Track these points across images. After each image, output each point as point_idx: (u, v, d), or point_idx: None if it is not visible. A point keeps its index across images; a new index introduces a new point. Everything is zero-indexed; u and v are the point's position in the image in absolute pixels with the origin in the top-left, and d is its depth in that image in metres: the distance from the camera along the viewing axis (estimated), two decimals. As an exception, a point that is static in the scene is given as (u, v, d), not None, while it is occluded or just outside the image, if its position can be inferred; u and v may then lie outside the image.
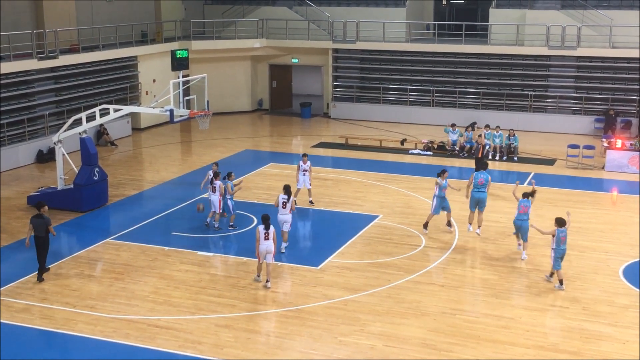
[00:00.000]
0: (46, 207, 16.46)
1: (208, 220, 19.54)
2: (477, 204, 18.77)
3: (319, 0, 38.04)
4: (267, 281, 15.81)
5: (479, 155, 23.86)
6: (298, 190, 21.27)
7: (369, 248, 18.25)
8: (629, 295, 15.26)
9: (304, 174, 21.20)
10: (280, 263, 17.12)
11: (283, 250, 17.73)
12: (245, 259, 17.46)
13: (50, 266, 16.76)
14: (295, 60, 37.24)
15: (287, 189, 17.74)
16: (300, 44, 36.05)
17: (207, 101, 23.29)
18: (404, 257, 17.56)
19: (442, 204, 18.96)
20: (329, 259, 17.46)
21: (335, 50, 36.16)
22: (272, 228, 15.61)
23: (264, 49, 36.70)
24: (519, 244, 17.94)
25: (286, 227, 17.75)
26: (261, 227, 15.53)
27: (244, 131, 33.18)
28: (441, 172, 19.05)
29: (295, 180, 21.48)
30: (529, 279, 16.33)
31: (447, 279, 16.31)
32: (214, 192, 19.31)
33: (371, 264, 17.22)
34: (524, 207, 17.35)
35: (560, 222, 15.72)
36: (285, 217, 17.65)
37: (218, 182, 19.32)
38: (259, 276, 16.06)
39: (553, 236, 15.72)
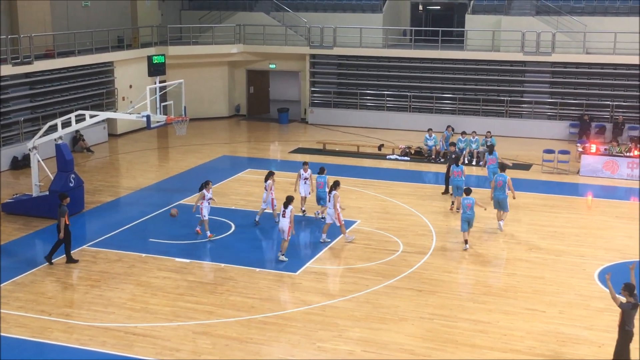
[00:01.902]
0: (67, 199, 17.75)
1: (198, 228, 19.51)
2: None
3: (296, 6, 38.11)
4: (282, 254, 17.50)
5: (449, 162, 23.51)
6: (304, 198, 20.95)
7: (347, 253, 18.26)
8: (605, 299, 15.39)
9: (305, 183, 20.82)
10: (258, 269, 17.08)
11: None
12: (223, 265, 17.40)
13: (30, 271, 16.63)
14: (272, 66, 37.23)
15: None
16: (277, 49, 36.06)
17: (184, 107, 23.21)
18: (382, 262, 17.59)
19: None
20: (307, 264, 17.45)
21: (313, 56, 36.19)
22: (290, 207, 17.22)
23: (241, 55, 36.66)
24: (501, 220, 19.88)
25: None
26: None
27: (222, 137, 33.10)
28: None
29: (294, 189, 21.10)
30: (506, 283, 16.44)
31: (425, 283, 16.37)
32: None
33: (349, 269, 17.23)
34: (500, 182, 19.56)
35: (467, 192, 18.80)
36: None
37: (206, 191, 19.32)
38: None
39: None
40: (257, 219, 20.39)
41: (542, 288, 16.11)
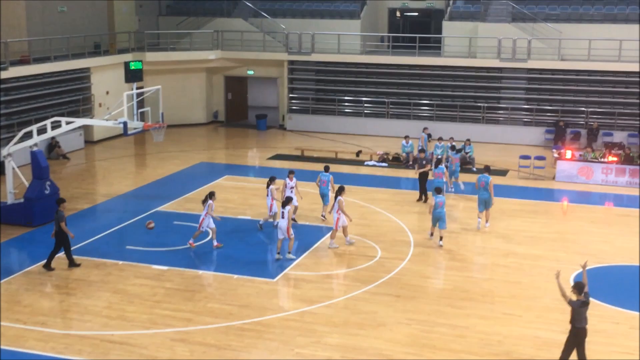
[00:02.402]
0: (65, 204, 17.75)
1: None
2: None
3: (275, 12, 38.14)
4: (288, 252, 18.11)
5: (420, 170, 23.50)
6: (295, 208, 20.63)
7: (325, 260, 18.27)
8: (580, 303, 15.54)
9: (291, 192, 20.48)
10: (236, 276, 17.03)
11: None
12: (200, 272, 17.33)
13: (5, 280, 16.42)
14: (250, 72, 37.21)
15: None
16: (255, 55, 36.05)
17: (162, 113, 23.11)
18: (360, 268, 17.61)
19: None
20: (286, 270, 17.43)
21: (291, 62, 36.23)
22: (288, 207, 17.75)
23: (219, 61, 36.60)
24: (483, 219, 20.64)
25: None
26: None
27: (199, 143, 33.00)
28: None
29: (280, 198, 20.58)
30: (483, 288, 16.53)
31: (403, 289, 16.41)
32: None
33: (328, 275, 17.23)
34: (483, 182, 20.40)
35: (438, 191, 19.42)
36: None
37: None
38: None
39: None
40: (261, 223, 20.52)
41: (519, 292, 16.22)
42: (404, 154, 28.86)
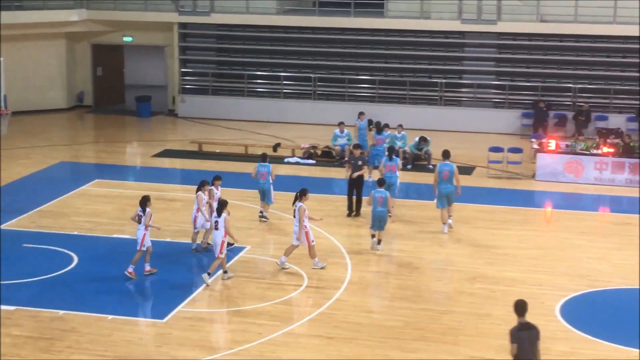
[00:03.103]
0: None
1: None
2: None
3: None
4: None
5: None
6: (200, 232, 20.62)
7: (232, 291, 18.21)
8: (570, 340, 15.89)
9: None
10: (110, 317, 16.81)
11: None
12: (61, 312, 17.01)
13: None
14: (128, 39, 36.82)
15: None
16: (134, 16, 35.70)
17: (4, 96, 22.74)
18: (279, 301, 17.61)
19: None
20: (179, 307, 17.29)
21: (183, 25, 35.99)
22: (224, 215, 18.27)
23: (84, 24, 36.08)
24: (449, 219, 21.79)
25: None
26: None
27: (59, 136, 32.49)
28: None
29: (193, 220, 20.41)
30: (443, 324, 16.72)
31: (338, 328, 16.47)
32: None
33: (236, 312, 17.18)
34: (446, 173, 21.37)
35: (380, 183, 20.64)
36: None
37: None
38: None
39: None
40: (194, 247, 20.53)
41: (489, 329, 16.47)
42: (337, 147, 29.00)
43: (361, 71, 35.01)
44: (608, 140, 27.66)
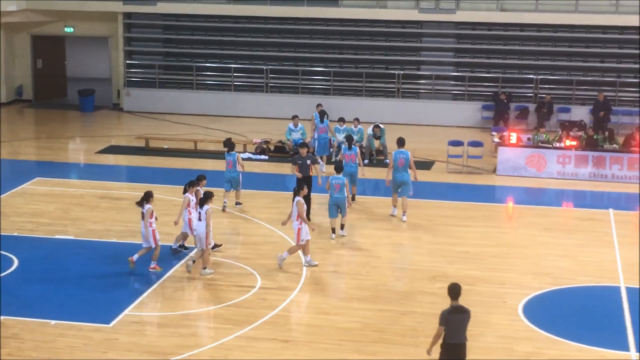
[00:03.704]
0: None
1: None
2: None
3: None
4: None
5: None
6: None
7: (182, 293, 18.13)
8: (533, 340, 15.99)
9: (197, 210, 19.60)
10: (54, 322, 16.63)
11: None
12: (2, 318, 16.79)
13: None
14: (69, 30, 36.53)
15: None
16: (76, 5, 35.43)
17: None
18: (232, 303, 17.55)
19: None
20: (126, 311, 17.17)
21: (128, 15, 35.79)
22: (206, 207, 18.51)
23: (23, 14, 35.73)
24: (399, 209, 22.32)
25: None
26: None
27: (-4, 132, 32.17)
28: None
29: (176, 220, 20.08)
30: (403, 325, 16.75)
31: (293, 331, 16.47)
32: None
33: (186, 315, 17.09)
34: (402, 160, 22.08)
35: (337, 169, 21.16)
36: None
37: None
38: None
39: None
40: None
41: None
42: (290, 142, 28.97)
43: (315, 63, 35.03)
44: (571, 133, 27.91)
